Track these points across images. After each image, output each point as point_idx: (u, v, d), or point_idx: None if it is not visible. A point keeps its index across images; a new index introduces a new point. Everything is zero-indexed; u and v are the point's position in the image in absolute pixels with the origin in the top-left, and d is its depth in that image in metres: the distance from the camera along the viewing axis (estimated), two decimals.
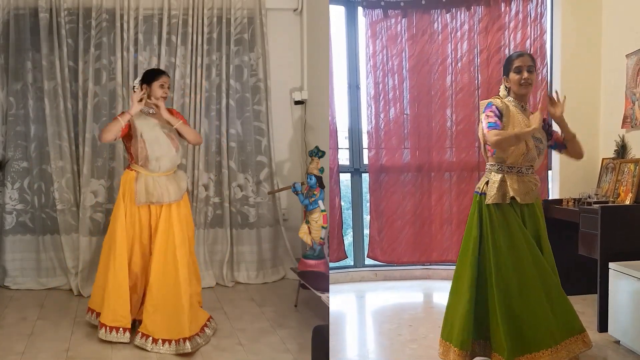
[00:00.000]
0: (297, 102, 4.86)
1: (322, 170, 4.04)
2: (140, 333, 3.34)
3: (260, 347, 3.38)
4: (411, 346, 3.50)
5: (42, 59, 4.31)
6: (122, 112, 3.39)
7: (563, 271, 3.43)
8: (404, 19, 5.05)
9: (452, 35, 5.02)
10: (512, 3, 4.80)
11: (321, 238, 4.02)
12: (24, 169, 4.42)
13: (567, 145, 3.12)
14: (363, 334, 4.14)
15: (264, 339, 3.49)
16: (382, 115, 5.11)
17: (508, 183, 2.94)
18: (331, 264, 5.13)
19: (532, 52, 4.68)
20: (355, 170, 5.29)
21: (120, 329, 3.34)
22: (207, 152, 4.61)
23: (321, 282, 3.72)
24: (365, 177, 5.25)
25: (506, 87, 3.05)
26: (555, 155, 4.68)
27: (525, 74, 2.96)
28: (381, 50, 5.10)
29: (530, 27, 4.75)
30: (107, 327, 3.34)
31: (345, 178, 5.26)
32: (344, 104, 5.24)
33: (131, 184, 3.40)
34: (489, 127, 2.90)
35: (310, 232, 4.03)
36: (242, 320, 3.80)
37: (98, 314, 3.47)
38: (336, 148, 5.06)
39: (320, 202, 4.00)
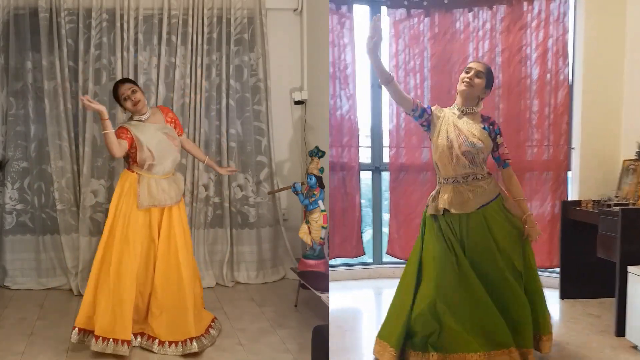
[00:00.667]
0: (297, 102, 4.87)
1: (322, 170, 4.04)
2: (146, 335, 3.33)
3: (260, 347, 3.38)
4: None
5: (42, 59, 4.31)
6: (104, 123, 3.16)
7: (581, 274, 3.42)
8: (426, 18, 5.05)
9: (474, 35, 4.98)
10: (535, 2, 4.74)
11: (321, 238, 4.02)
12: (24, 169, 4.42)
13: (509, 191, 3.09)
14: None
15: (264, 339, 3.49)
16: (403, 114, 5.10)
17: (441, 195, 3.01)
18: (349, 260, 5.19)
19: (554, 51, 4.68)
20: (376, 169, 5.31)
21: (119, 340, 3.17)
22: (207, 152, 4.61)
23: (321, 282, 3.72)
24: (385, 175, 5.26)
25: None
26: (575, 157, 4.63)
27: (473, 76, 2.99)
28: (403, 49, 5.10)
29: (553, 26, 4.69)
30: (104, 338, 3.17)
31: (365, 176, 5.27)
32: (367, 103, 5.26)
33: (133, 185, 3.37)
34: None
35: (310, 232, 4.03)
36: (242, 320, 3.81)
37: (88, 333, 3.23)
38: (357, 146, 5.08)
39: (320, 202, 4.01)
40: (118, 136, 3.24)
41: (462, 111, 3.05)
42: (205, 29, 4.55)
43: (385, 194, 5.29)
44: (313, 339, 2.90)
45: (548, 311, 3.15)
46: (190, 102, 4.55)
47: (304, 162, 4.78)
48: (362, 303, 4.68)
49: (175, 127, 3.53)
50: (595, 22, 4.58)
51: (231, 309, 4.00)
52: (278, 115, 4.80)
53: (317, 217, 4.01)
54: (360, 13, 5.13)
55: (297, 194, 4.09)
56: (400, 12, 5.08)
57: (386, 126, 5.18)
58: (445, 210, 3.00)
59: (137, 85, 3.42)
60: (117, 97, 3.38)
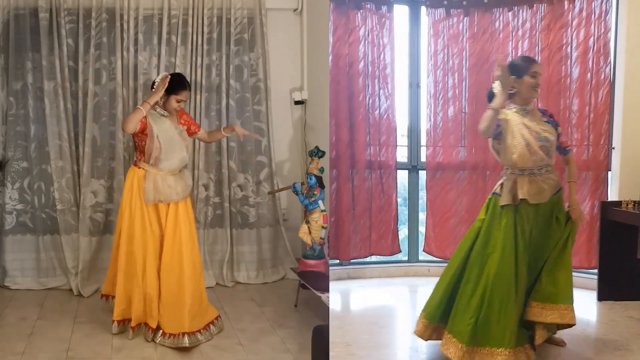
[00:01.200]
0: (297, 102, 4.87)
1: (322, 170, 4.04)
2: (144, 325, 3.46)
3: (260, 347, 3.39)
4: None
5: (42, 59, 4.31)
6: (143, 102, 3.34)
7: (620, 275, 3.37)
8: (465, 18, 5.05)
9: (514, 34, 4.97)
10: (576, 0, 4.70)
11: (321, 238, 4.02)
12: (24, 169, 4.42)
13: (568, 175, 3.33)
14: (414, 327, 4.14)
15: (264, 339, 3.49)
16: (440, 114, 5.11)
17: (518, 185, 3.10)
18: (386, 258, 5.24)
19: (595, 50, 4.66)
20: (413, 167, 5.34)
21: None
22: (207, 152, 4.61)
23: (321, 282, 3.72)
24: (422, 174, 5.27)
25: (512, 87, 3.13)
26: (616, 156, 4.59)
27: (540, 80, 3.16)
28: (442, 49, 5.10)
29: (594, 25, 4.65)
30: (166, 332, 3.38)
31: (401, 175, 5.31)
32: (404, 103, 5.28)
33: (140, 181, 3.43)
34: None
35: (310, 232, 4.03)
36: (242, 320, 3.81)
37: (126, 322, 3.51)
38: (395, 145, 5.11)
39: (320, 202, 4.01)
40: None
41: (525, 110, 3.17)
42: (205, 29, 4.55)
43: (421, 193, 5.33)
44: (313, 339, 2.89)
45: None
46: (190, 102, 4.55)
47: (304, 162, 4.78)
48: (397, 300, 4.71)
49: (190, 126, 3.65)
50: (637, 20, 4.50)
51: (231, 309, 4.00)
52: (278, 115, 4.80)
53: (317, 217, 4.01)
54: (400, 13, 5.18)
55: (297, 194, 4.10)
56: (440, 12, 5.09)
57: (423, 125, 5.21)
58: (521, 200, 3.11)
59: None
60: (170, 89, 3.39)
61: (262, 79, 4.71)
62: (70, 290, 4.31)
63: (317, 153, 4.05)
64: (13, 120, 4.38)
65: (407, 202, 5.38)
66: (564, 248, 3.19)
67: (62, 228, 4.37)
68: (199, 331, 3.39)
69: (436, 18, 5.10)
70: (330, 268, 5.18)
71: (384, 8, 5.00)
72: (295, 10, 4.87)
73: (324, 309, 3.54)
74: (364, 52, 4.97)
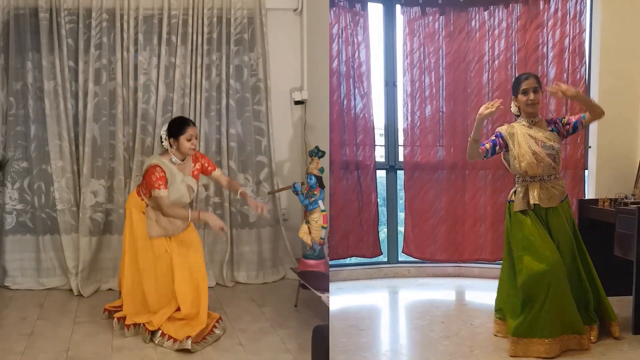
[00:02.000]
0: (297, 102, 4.86)
1: (322, 170, 4.04)
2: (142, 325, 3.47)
3: (260, 347, 3.38)
4: (443, 342, 3.48)
5: (42, 59, 4.31)
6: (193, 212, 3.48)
7: (597, 272, 3.44)
8: (441, 17, 5.05)
9: (490, 33, 4.98)
10: (551, 1, 4.73)
11: (321, 238, 4.02)
12: (24, 169, 4.42)
13: (590, 113, 3.38)
14: (396, 329, 4.14)
15: (264, 339, 3.49)
16: (417, 113, 5.12)
17: (530, 192, 3.33)
18: (365, 260, 5.22)
19: (570, 50, 4.71)
20: (391, 167, 5.33)
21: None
22: (207, 152, 4.61)
23: (321, 282, 3.72)
24: (400, 174, 5.27)
25: (516, 106, 3.41)
26: (592, 155, 4.63)
27: (532, 96, 3.31)
28: (418, 48, 5.11)
29: (570, 25, 4.69)
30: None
31: (379, 175, 5.29)
32: (380, 102, 5.27)
33: (141, 210, 3.49)
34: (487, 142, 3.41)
35: (310, 232, 4.03)
36: (242, 320, 3.81)
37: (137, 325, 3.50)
38: (373, 145, 5.10)
39: (320, 202, 4.00)
40: (158, 181, 3.35)
41: (531, 122, 3.38)
42: (205, 29, 4.55)
43: (400, 193, 5.31)
44: (313, 339, 2.89)
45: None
46: (190, 102, 4.55)
47: (304, 162, 4.78)
48: (378, 302, 4.69)
49: (206, 166, 3.65)
50: (611, 20, 4.55)
51: (231, 309, 4.00)
52: (278, 115, 4.80)
53: (317, 217, 4.01)
54: (374, 11, 5.16)
55: (297, 194, 4.09)
56: (415, 10, 5.10)
57: (401, 124, 5.20)
58: (535, 205, 3.33)
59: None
60: (177, 132, 3.42)
61: (262, 79, 4.70)
62: (70, 290, 4.31)
63: (317, 153, 4.05)
64: (13, 120, 4.38)
65: (386, 202, 5.36)
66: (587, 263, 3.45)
67: (62, 228, 4.37)
68: (204, 338, 3.38)
69: (411, 16, 5.10)
70: None
71: (358, 6, 4.99)
72: (295, 10, 4.87)
73: (324, 309, 3.53)
74: (337, 50, 4.94)
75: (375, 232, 5.11)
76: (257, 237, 4.71)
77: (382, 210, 5.37)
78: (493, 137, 3.43)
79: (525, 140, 3.34)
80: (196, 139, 3.48)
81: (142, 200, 3.49)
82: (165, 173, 3.38)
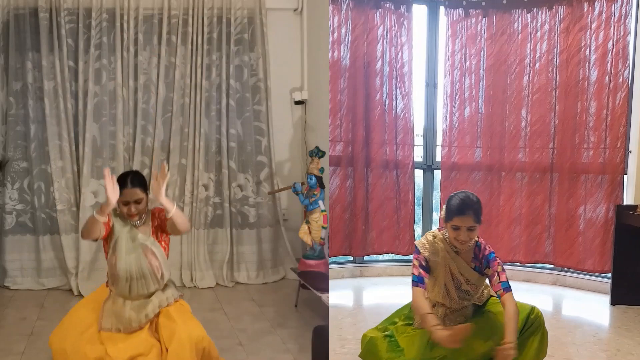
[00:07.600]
0: (297, 102, 4.86)
1: (322, 170, 4.04)
2: None
3: (260, 347, 3.38)
4: None
5: (42, 59, 4.31)
6: (100, 206, 2.54)
7: (635, 280, 3.35)
8: (484, 19, 5.07)
9: (532, 35, 4.99)
10: (596, 3, 4.70)
11: (321, 238, 4.02)
12: (24, 169, 4.42)
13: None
14: None
15: (264, 339, 3.49)
16: (456, 114, 5.15)
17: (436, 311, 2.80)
18: (399, 257, 5.27)
19: (614, 53, 4.62)
20: (428, 167, 5.37)
21: None
22: (207, 152, 4.61)
23: (321, 282, 3.72)
24: (437, 174, 5.31)
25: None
26: (632, 160, 4.58)
27: (463, 236, 2.64)
28: (460, 49, 5.13)
29: (614, 28, 4.66)
30: None
31: (417, 174, 5.34)
32: (421, 102, 5.32)
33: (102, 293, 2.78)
34: (412, 281, 2.70)
35: (310, 232, 4.03)
36: (242, 320, 3.80)
37: None
38: (412, 145, 5.16)
39: (320, 202, 4.01)
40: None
41: (457, 251, 2.75)
42: (205, 29, 4.55)
43: (435, 193, 5.37)
44: (313, 339, 2.89)
45: None
46: (190, 102, 4.55)
47: (304, 162, 4.78)
48: (408, 298, 4.70)
49: (163, 218, 2.69)
50: None
51: (231, 309, 4.00)
52: (278, 115, 4.80)
53: (317, 217, 4.01)
54: (418, 13, 5.22)
55: (297, 194, 4.10)
56: (458, 12, 5.12)
57: (439, 125, 5.24)
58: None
59: (147, 192, 2.68)
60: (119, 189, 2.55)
61: (262, 79, 4.70)
62: (70, 290, 4.31)
63: (317, 153, 4.05)
64: (13, 120, 4.37)
65: (422, 201, 5.40)
66: None
67: (62, 228, 4.37)
68: None
69: (455, 18, 5.13)
70: (344, 265, 5.26)
71: (403, 7, 5.05)
72: (295, 10, 4.87)
73: (324, 309, 3.53)
74: (382, 52, 5.02)
75: (411, 230, 5.16)
76: (257, 237, 4.71)
77: (417, 210, 5.41)
78: (416, 261, 2.75)
79: (443, 274, 2.73)
80: (137, 203, 2.61)
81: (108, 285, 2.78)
82: (111, 220, 2.64)
